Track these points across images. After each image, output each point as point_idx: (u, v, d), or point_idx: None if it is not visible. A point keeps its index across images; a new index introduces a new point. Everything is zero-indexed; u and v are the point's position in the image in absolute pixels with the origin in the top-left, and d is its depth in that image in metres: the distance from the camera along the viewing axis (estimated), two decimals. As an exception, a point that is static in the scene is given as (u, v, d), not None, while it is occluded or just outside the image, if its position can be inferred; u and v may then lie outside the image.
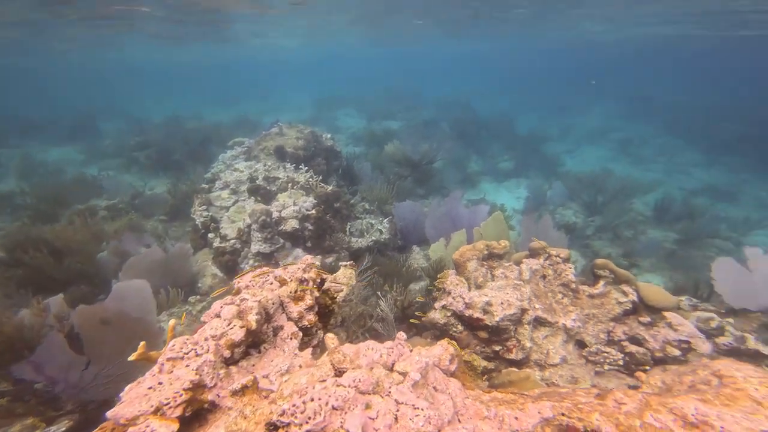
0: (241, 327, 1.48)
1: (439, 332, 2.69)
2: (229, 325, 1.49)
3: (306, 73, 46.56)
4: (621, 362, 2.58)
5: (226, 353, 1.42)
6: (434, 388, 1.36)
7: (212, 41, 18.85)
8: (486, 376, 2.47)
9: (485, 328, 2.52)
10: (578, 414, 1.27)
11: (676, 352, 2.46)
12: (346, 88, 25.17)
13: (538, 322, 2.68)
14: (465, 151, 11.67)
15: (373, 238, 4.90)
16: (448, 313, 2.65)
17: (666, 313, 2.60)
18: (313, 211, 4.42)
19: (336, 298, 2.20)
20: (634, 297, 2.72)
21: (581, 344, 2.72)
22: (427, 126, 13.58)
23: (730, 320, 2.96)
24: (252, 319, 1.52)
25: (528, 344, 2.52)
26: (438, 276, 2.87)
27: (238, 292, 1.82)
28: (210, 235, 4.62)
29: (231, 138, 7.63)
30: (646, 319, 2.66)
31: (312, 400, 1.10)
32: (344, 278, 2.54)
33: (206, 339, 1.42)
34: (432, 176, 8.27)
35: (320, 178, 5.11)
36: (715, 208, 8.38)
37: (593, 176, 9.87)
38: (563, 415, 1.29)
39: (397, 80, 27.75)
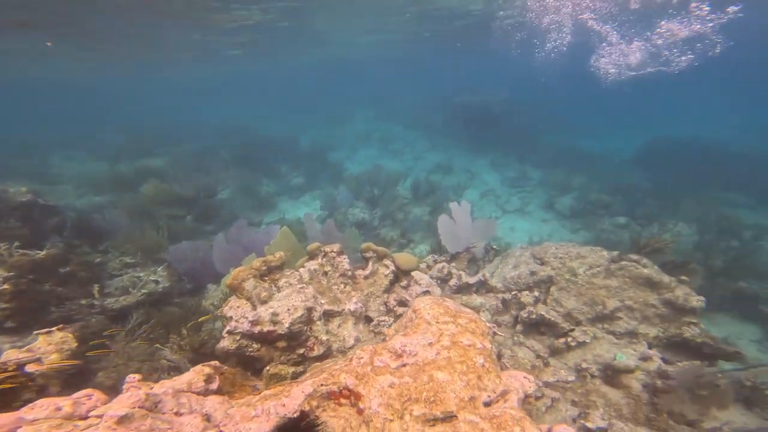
0: None
1: (236, 357, 2.57)
2: None
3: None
4: (398, 322, 3.25)
5: None
6: (176, 413, 1.33)
7: None
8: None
9: (281, 337, 2.58)
10: (332, 379, 1.53)
11: (426, 295, 3.34)
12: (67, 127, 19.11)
13: (329, 315, 2.95)
14: (253, 175, 11.40)
15: (146, 290, 4.14)
16: (237, 337, 2.55)
17: (413, 273, 3.47)
18: (6, 286, 3.21)
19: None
20: (393, 267, 3.47)
21: (369, 320, 3.24)
22: (201, 156, 12.30)
23: (454, 264, 4.31)
24: None
25: (324, 337, 2.74)
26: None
27: None
28: None
29: None
30: (404, 282, 3.47)
31: None
32: (48, 346, 1.99)
33: None
34: (219, 209, 7.57)
35: (16, 244, 3.79)
36: (444, 181, 12.01)
37: (368, 174, 11.92)
38: (322, 385, 1.51)
39: (143, 113, 23.54)
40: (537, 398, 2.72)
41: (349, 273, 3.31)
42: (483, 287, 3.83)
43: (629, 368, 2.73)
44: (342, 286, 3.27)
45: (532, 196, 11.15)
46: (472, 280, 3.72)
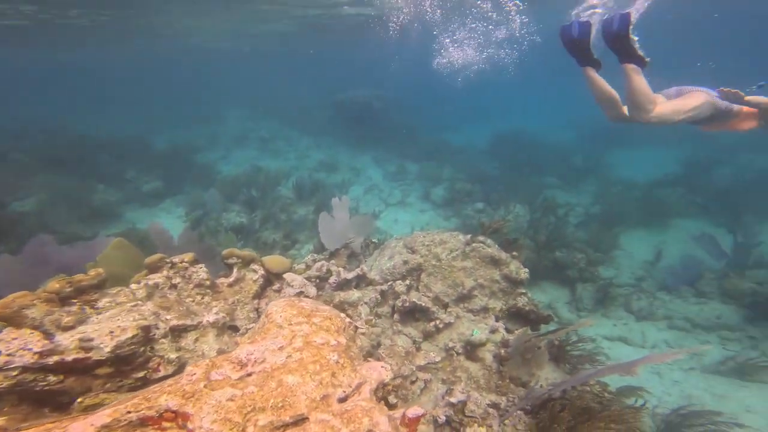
0: None
1: (18, 394, 1.98)
2: None
3: None
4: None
5: None
6: None
7: None
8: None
9: (102, 363, 2.10)
10: (147, 403, 1.29)
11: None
12: None
13: (181, 330, 2.54)
14: (78, 181, 8.98)
15: None
16: (14, 372, 1.95)
17: (285, 275, 3.25)
18: None
19: None
20: (262, 271, 3.19)
21: (236, 329, 2.91)
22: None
23: (333, 261, 4.26)
24: None
25: (174, 355, 2.33)
26: None
27: None
28: None
29: None
30: (276, 285, 3.23)
31: None
32: None
33: None
34: (16, 223, 5.68)
35: None
36: (329, 179, 11.94)
37: (246, 176, 10.88)
38: (130, 412, 1.27)
39: None
40: (412, 382, 2.88)
41: (208, 283, 2.89)
42: (363, 281, 3.88)
43: (482, 342, 3.14)
44: (199, 297, 2.84)
45: (411, 188, 12.14)
46: (350, 275, 3.73)
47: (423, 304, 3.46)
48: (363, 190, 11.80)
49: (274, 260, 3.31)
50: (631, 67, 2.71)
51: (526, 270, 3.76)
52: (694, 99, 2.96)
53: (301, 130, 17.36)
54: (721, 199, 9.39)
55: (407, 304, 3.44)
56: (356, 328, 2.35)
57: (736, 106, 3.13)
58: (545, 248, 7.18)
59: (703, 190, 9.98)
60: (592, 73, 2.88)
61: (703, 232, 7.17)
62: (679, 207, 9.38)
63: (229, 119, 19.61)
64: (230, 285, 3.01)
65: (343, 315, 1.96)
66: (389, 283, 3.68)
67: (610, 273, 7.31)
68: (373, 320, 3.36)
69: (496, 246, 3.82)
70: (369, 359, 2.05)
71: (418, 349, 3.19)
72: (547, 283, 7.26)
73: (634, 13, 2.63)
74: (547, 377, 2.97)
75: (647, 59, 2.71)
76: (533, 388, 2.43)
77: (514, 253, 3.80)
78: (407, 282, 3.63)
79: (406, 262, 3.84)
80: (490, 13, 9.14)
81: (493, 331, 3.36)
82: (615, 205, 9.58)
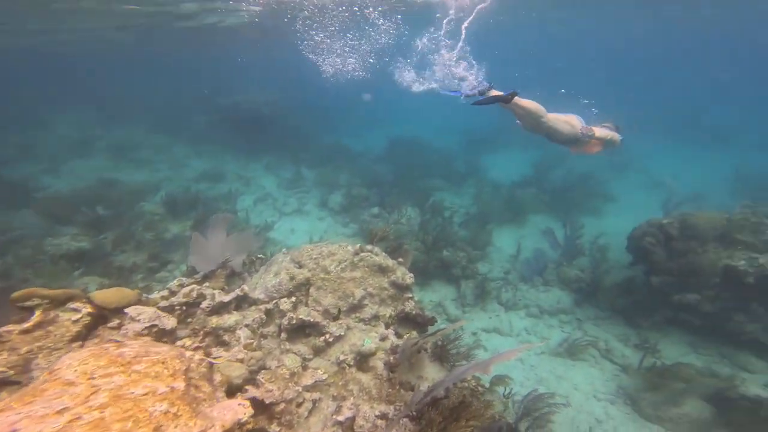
0: None
1: None
2: None
3: None
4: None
5: None
6: None
7: None
8: None
9: None
10: None
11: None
12: None
13: None
14: None
15: None
16: None
17: (128, 309, 2.67)
18: None
19: None
20: (89, 309, 2.54)
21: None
22: None
23: (208, 284, 3.72)
24: None
25: None
26: None
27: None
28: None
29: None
30: (114, 322, 2.62)
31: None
32: None
33: None
34: None
35: None
36: (212, 190, 10.64)
37: (89, 191, 8.78)
38: None
39: None
40: (299, 405, 2.67)
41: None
42: (245, 302, 3.49)
43: (372, 351, 3.15)
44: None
45: (309, 196, 11.78)
46: (228, 297, 3.31)
47: (312, 320, 3.30)
48: (254, 200, 10.89)
49: (110, 294, 2.68)
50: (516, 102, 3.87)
51: (411, 275, 3.95)
52: (573, 121, 4.15)
53: (174, 137, 15.11)
54: (557, 197, 11.73)
55: (294, 321, 3.24)
56: (210, 364, 2.04)
57: (588, 136, 4.26)
58: (434, 249, 7.82)
59: (548, 190, 12.26)
60: (509, 106, 3.94)
61: (548, 227, 8.87)
62: (532, 204, 11.40)
63: (59, 124, 15.71)
64: (27, 331, 2.30)
65: (187, 354, 1.66)
66: (275, 302, 3.41)
67: (486, 268, 8.36)
68: (255, 343, 3.05)
69: (383, 254, 3.92)
70: (224, 399, 1.79)
71: (305, 367, 3.01)
72: (437, 282, 7.90)
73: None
74: (433, 378, 3.15)
75: (516, 92, 3.83)
76: (415, 393, 2.52)
77: (400, 259, 3.96)
78: (293, 299, 3.42)
79: (292, 278, 3.62)
80: (374, 21, 9.53)
81: (383, 338, 3.41)
82: (488, 205, 11.12)
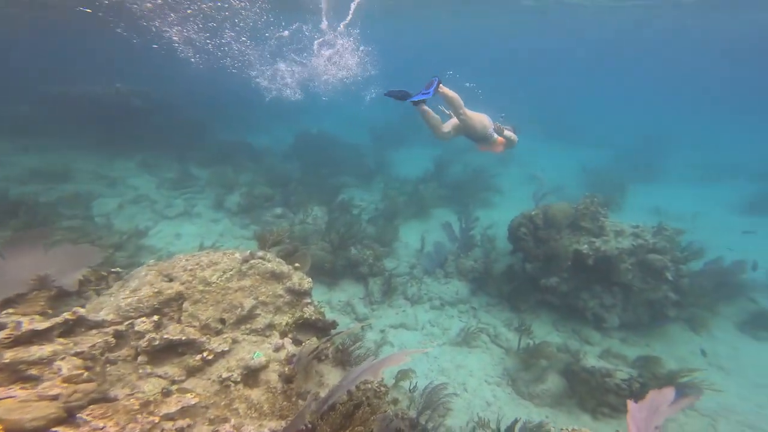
0: None
1: None
2: None
3: None
4: None
5: None
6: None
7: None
8: None
9: None
10: None
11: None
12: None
13: None
14: None
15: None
16: None
17: None
18: None
19: None
20: None
21: None
22: None
23: (14, 309, 2.85)
24: None
25: None
26: None
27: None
28: None
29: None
30: None
31: None
32: None
33: None
34: None
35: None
36: (50, 192, 8.53)
37: None
38: None
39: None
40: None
41: None
42: (81, 326, 2.83)
43: (263, 364, 2.89)
44: None
45: (201, 196, 10.47)
46: (44, 324, 2.63)
47: (184, 338, 2.87)
48: (120, 203, 9.14)
49: None
50: (443, 93, 4.19)
51: (309, 280, 3.78)
52: (485, 120, 4.56)
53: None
54: (455, 191, 12.72)
55: (158, 342, 2.77)
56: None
57: (496, 135, 4.71)
58: (341, 248, 7.73)
59: (447, 184, 13.18)
60: (423, 107, 4.30)
61: (446, 221, 9.61)
62: (434, 199, 12.22)
63: None
64: None
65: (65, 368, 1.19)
66: (129, 322, 2.85)
67: (393, 264, 8.65)
68: (87, 374, 2.50)
69: (278, 260, 3.66)
70: None
71: (168, 393, 2.59)
72: (345, 281, 7.84)
73: None
74: (334, 382, 3.06)
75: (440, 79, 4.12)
76: (306, 404, 2.38)
77: (297, 264, 3.76)
78: (156, 317, 2.93)
79: (159, 293, 3.10)
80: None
81: (278, 348, 3.18)
82: (394, 201, 11.52)
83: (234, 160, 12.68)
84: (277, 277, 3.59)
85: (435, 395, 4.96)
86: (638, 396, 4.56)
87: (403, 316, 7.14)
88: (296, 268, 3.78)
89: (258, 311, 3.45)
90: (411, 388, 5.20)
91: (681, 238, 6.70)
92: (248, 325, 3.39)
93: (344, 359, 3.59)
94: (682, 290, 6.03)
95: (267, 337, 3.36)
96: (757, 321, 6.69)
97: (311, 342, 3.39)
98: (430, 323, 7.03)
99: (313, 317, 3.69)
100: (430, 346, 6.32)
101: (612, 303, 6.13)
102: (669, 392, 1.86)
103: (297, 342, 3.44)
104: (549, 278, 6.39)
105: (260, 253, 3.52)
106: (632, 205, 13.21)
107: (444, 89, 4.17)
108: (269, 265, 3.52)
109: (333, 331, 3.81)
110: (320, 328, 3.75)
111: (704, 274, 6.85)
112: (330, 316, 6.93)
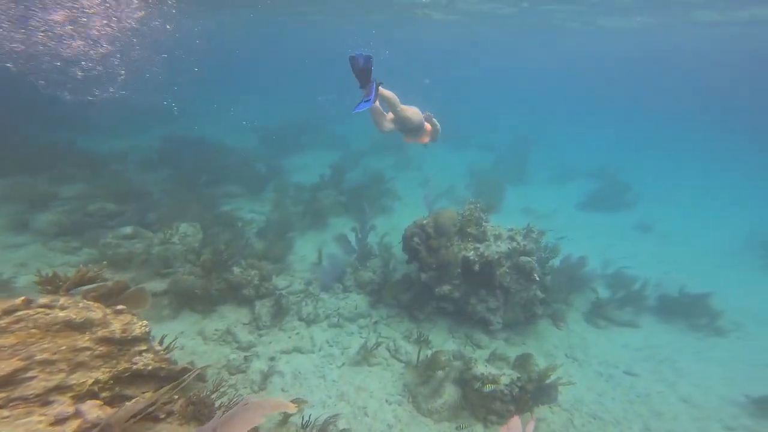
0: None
1: None
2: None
3: None
4: None
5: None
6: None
7: None
8: None
9: None
10: None
11: None
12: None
13: None
14: None
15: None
16: None
17: None
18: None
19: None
20: None
21: None
22: None
23: None
24: None
25: None
26: None
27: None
28: None
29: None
30: None
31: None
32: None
33: None
34: None
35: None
36: None
37: None
38: None
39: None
40: None
41: None
42: None
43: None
44: None
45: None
46: None
47: None
48: None
49: None
50: (382, 94, 4.46)
51: (145, 323, 2.91)
52: (418, 111, 4.90)
53: None
54: (354, 198, 12.26)
55: None
56: None
57: (426, 124, 5.07)
58: (218, 269, 6.64)
59: (345, 191, 12.75)
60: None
61: (340, 233, 9.26)
62: (332, 207, 11.77)
63: None
64: None
65: None
66: None
67: (285, 282, 7.89)
68: None
69: (83, 303, 2.67)
70: None
71: None
72: (226, 306, 6.79)
73: None
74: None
75: (380, 82, 4.29)
76: None
77: (120, 306, 2.81)
78: None
79: None
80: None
81: (62, 419, 2.25)
82: (289, 211, 10.69)
83: (58, 169, 9.99)
84: (78, 327, 2.62)
85: (329, 428, 4.48)
86: (519, 401, 4.98)
87: (297, 338, 6.51)
88: (119, 312, 2.84)
89: (32, 374, 2.43)
90: (304, 423, 4.60)
91: (543, 238, 7.62)
92: (4, 394, 2.36)
93: (199, 413, 2.84)
94: (547, 288, 6.89)
95: (45, 405, 2.38)
96: (596, 310, 8.05)
97: (142, 398, 2.55)
98: (328, 343, 6.57)
99: (150, 366, 2.85)
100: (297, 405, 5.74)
101: (496, 306, 6.61)
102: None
103: (123, 400, 2.57)
104: (442, 286, 6.57)
105: (46, 300, 2.50)
106: (508, 206, 15.07)
107: (382, 91, 4.43)
108: (61, 313, 2.53)
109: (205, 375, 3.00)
110: (164, 377, 2.93)
111: (561, 270, 8.01)
112: (202, 349, 5.84)
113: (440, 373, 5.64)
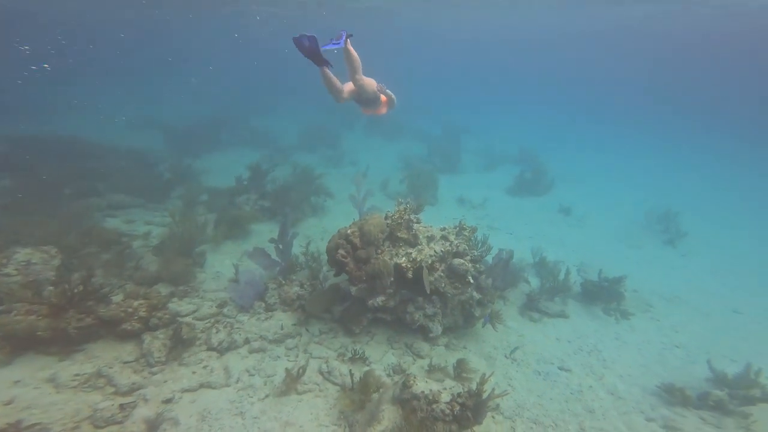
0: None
1: None
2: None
3: None
4: None
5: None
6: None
7: None
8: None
9: None
10: None
11: None
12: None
13: None
14: None
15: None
16: None
17: None
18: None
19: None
20: None
21: None
22: None
23: None
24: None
25: None
26: None
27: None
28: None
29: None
30: None
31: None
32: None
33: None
34: None
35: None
36: None
37: None
38: None
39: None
40: None
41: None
42: None
43: None
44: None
45: None
46: None
47: None
48: None
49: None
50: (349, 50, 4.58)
51: None
52: (374, 83, 5.11)
53: None
54: (280, 200, 11.11)
55: None
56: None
57: (382, 96, 5.22)
58: (80, 303, 5.28)
59: (269, 193, 11.47)
60: (327, 71, 4.62)
61: (256, 247, 8.16)
62: (254, 212, 10.57)
63: None
64: None
65: None
66: None
67: (191, 306, 6.72)
68: None
69: None
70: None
71: None
72: (96, 344, 5.47)
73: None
74: None
75: (350, 34, 4.40)
76: None
77: None
78: None
79: None
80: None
81: None
82: (201, 220, 9.30)
83: None
84: None
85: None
86: (461, 419, 4.74)
87: (205, 373, 5.49)
88: None
89: None
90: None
91: (474, 235, 7.46)
92: None
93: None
94: (482, 288, 6.79)
95: None
96: (530, 303, 8.25)
97: None
98: (248, 372, 5.66)
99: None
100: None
101: (434, 312, 6.31)
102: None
103: None
104: (375, 298, 6.06)
105: None
106: (443, 197, 15.16)
107: (351, 49, 4.52)
108: None
109: None
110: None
111: (494, 267, 8.00)
112: (49, 400, 4.52)
113: (375, 395, 5.17)
